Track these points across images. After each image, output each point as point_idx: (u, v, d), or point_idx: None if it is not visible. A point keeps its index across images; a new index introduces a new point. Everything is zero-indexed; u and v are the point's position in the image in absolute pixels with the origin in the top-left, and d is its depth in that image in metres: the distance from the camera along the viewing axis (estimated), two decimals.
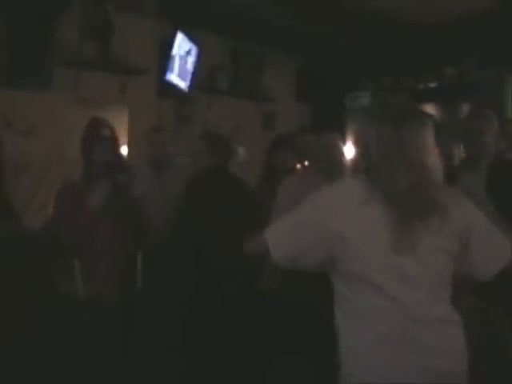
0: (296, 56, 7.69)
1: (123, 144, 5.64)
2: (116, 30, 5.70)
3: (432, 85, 6.98)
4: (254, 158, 6.38)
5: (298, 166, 4.65)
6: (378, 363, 1.78)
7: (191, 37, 6.43)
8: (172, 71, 6.27)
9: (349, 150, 4.08)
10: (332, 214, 1.83)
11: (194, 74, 6.63)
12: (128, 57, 5.81)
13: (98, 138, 3.40)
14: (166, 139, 4.78)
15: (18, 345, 3.60)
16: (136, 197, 3.66)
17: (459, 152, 3.92)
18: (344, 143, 3.96)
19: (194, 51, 6.57)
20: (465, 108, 6.54)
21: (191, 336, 3.83)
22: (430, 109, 6.68)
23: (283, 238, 1.93)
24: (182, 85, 6.51)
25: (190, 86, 6.62)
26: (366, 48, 6.78)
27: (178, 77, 6.40)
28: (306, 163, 4.65)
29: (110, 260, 3.36)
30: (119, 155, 3.65)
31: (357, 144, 1.98)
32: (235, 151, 6.10)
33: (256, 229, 3.78)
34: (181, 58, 6.38)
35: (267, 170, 4.52)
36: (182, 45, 6.32)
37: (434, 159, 1.85)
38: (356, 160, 1.97)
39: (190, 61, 6.57)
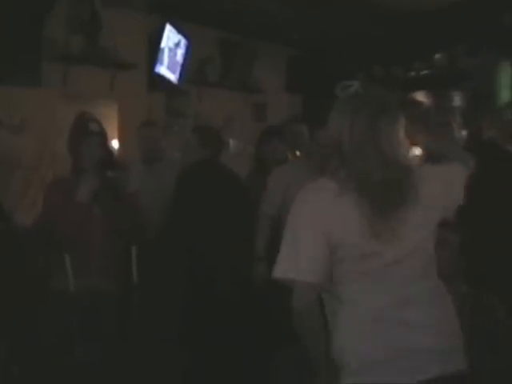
0: (286, 47, 7.67)
1: (113, 139, 5.62)
2: (104, 24, 5.67)
3: (423, 73, 6.98)
4: (245, 149, 6.38)
5: (290, 156, 4.63)
6: (370, 350, 1.79)
7: (180, 29, 6.39)
8: (161, 64, 6.23)
9: None
10: (318, 218, 1.82)
11: (184, 66, 6.60)
12: (117, 51, 5.77)
13: (86, 133, 3.37)
14: (158, 133, 4.77)
15: (12, 341, 3.60)
16: (129, 192, 3.64)
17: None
18: None
19: (184, 43, 6.53)
20: (456, 96, 6.55)
21: (189, 330, 3.83)
22: (421, 97, 6.68)
23: (304, 265, 1.83)
24: (172, 77, 6.48)
25: (180, 79, 6.59)
26: (356, 38, 6.76)
27: (168, 69, 6.37)
28: (298, 153, 4.63)
29: (102, 255, 3.35)
30: (109, 150, 3.62)
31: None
32: (227, 143, 6.09)
33: (248, 221, 3.81)
34: (170, 50, 6.34)
35: (258, 161, 4.51)
36: (170, 37, 6.28)
37: (406, 151, 1.87)
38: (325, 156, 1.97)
39: (180, 53, 6.53)
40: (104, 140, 3.46)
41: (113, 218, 3.38)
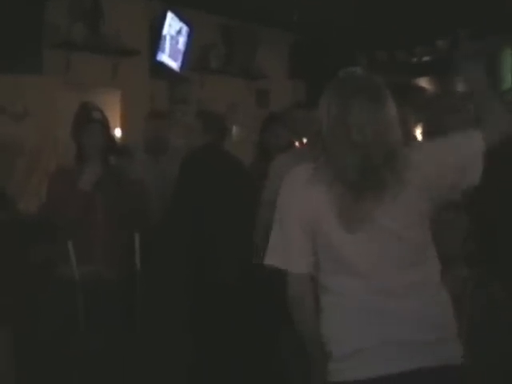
0: (288, 33, 7.64)
1: (116, 127, 5.62)
2: (105, 11, 5.66)
3: (426, 58, 6.95)
4: (249, 136, 6.37)
5: (297, 143, 4.61)
6: (353, 339, 1.77)
7: (182, 16, 6.37)
8: (163, 51, 6.22)
9: None
10: (301, 205, 1.82)
11: (186, 53, 6.58)
12: (119, 38, 5.77)
13: (88, 121, 3.41)
14: (164, 125, 4.76)
15: (15, 330, 3.61)
16: (132, 179, 3.67)
17: None
18: None
19: (185, 30, 6.51)
20: (459, 81, 6.51)
21: (194, 317, 3.84)
22: (424, 82, 6.66)
23: (295, 256, 1.84)
24: (174, 65, 6.46)
25: (182, 66, 6.57)
26: (359, 23, 6.73)
27: (169, 57, 6.35)
28: (304, 140, 4.61)
29: (105, 242, 3.37)
30: (111, 138, 3.65)
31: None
32: (230, 130, 6.08)
33: (251, 207, 3.80)
34: (172, 37, 6.32)
35: (261, 147, 4.50)
36: (172, 24, 6.26)
37: (393, 134, 1.78)
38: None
39: (181, 40, 6.51)
40: (106, 128, 3.49)
41: (115, 205, 3.41)
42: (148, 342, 3.67)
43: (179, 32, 6.42)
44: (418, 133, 3.37)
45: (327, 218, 1.77)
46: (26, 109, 5.04)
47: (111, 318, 3.37)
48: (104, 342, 3.30)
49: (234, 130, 6.94)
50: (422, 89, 5.33)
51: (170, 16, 6.17)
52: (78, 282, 3.28)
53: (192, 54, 6.70)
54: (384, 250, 1.77)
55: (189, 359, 3.85)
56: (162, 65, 6.26)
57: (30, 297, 3.65)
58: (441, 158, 1.79)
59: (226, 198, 3.80)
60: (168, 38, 6.24)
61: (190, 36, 6.58)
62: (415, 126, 3.33)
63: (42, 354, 3.45)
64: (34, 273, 3.63)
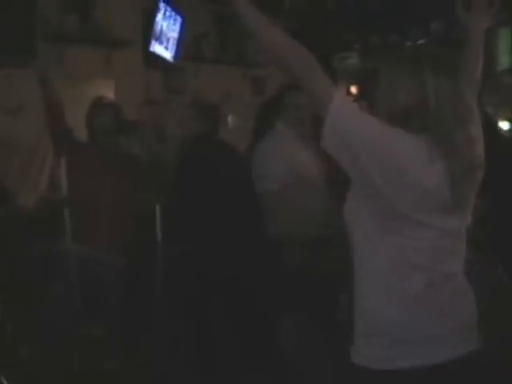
0: (282, 19, 7.60)
1: None
2: (98, 2, 5.63)
3: (421, 41, 6.93)
4: (245, 124, 6.35)
5: None
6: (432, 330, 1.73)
7: (174, 5, 6.34)
8: (156, 41, 6.19)
9: None
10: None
11: (179, 43, 6.56)
12: (112, 29, 5.75)
13: (99, 105, 3.74)
14: (157, 112, 4.80)
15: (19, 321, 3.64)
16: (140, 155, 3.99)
17: None
18: None
19: (178, 20, 6.48)
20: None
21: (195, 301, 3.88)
22: None
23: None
24: (167, 55, 6.44)
25: (176, 56, 6.55)
26: (351, 6, 6.71)
27: (163, 47, 6.33)
28: None
29: (111, 222, 3.53)
30: (121, 120, 3.84)
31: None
32: (225, 117, 6.08)
33: (247, 195, 3.80)
34: (165, 27, 6.29)
35: (257, 135, 4.48)
36: (165, 14, 6.23)
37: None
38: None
39: (175, 30, 6.48)
40: (116, 110, 3.77)
41: (125, 184, 3.61)
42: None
43: (172, 21, 6.39)
44: None
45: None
46: (21, 103, 5.03)
47: (111, 299, 3.46)
48: (104, 326, 3.35)
49: (230, 118, 6.92)
50: None
51: (162, 5, 6.14)
52: (79, 262, 3.37)
53: (185, 43, 6.68)
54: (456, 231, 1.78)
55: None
56: (156, 55, 6.24)
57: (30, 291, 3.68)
58: None
59: (225, 189, 3.79)
60: (161, 27, 6.22)
61: (182, 25, 6.55)
62: None
63: (43, 337, 3.49)
64: (32, 267, 3.67)
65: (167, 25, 6.32)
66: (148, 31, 6.09)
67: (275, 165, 3.67)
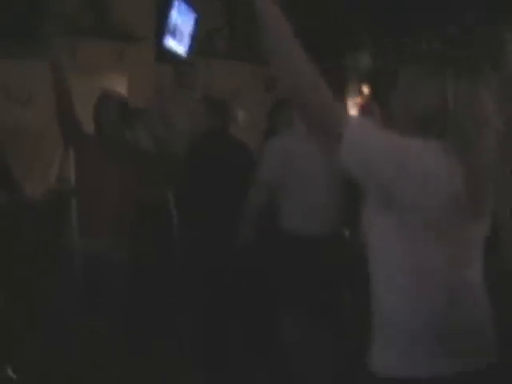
0: (294, 17, 7.57)
1: None
2: None
3: (435, 45, 6.88)
4: (256, 121, 6.34)
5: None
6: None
7: (189, 0, 6.33)
8: (169, 36, 6.19)
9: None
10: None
11: (192, 38, 6.55)
12: (125, 24, 5.75)
13: (105, 97, 3.73)
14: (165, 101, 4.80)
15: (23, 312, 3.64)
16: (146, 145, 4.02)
17: None
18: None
19: (192, 15, 6.47)
20: None
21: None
22: None
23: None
24: (180, 49, 6.43)
25: (189, 51, 6.55)
26: (365, 6, 6.68)
27: (176, 41, 6.32)
28: None
29: (117, 214, 3.54)
30: (127, 111, 3.84)
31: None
32: (235, 114, 6.06)
33: None
34: (178, 22, 6.28)
35: (269, 132, 4.47)
36: (178, 9, 6.22)
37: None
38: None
39: (188, 25, 6.48)
40: (121, 101, 3.77)
41: (132, 177, 3.63)
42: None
43: (186, 16, 6.38)
44: None
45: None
46: (32, 94, 5.04)
47: (116, 290, 3.46)
48: (108, 318, 3.36)
49: (241, 114, 6.90)
50: None
51: (177, 1, 6.13)
52: (84, 254, 3.37)
53: (198, 38, 6.67)
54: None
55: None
56: (169, 50, 6.23)
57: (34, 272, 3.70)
58: None
59: (234, 185, 3.79)
60: (174, 22, 6.20)
61: (196, 20, 6.54)
62: None
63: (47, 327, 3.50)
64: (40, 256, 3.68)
65: (181, 20, 6.31)
66: (161, 26, 6.09)
67: (290, 161, 3.64)
